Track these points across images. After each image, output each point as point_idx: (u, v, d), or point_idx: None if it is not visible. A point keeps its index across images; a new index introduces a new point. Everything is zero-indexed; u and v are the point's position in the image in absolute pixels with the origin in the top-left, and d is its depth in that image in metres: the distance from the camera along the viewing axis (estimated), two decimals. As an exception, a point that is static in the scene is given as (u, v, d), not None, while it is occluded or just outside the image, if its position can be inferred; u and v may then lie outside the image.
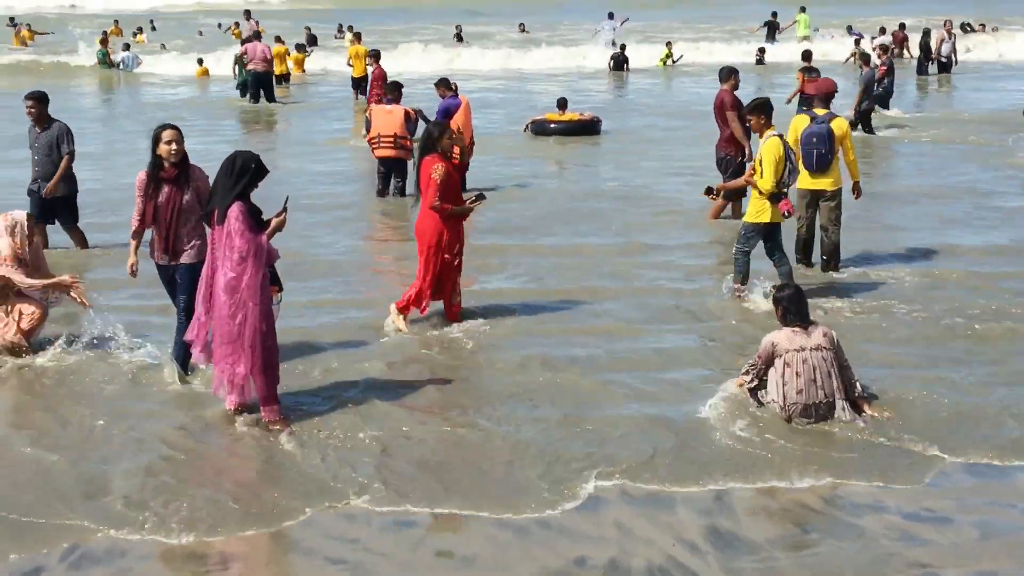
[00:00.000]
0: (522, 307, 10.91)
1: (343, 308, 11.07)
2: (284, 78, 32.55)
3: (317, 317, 10.70)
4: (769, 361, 8.29)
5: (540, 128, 22.81)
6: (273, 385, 8.19)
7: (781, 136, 10.96)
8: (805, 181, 12.09)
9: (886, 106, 24.58)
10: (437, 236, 10.20)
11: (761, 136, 11.00)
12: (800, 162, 11.83)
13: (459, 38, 49.15)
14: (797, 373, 8.16)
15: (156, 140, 8.77)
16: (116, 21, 49.18)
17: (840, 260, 12.37)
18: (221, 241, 7.95)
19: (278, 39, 36.33)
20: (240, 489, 7.21)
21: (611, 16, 44.18)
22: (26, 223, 9.89)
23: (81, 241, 13.50)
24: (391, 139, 16.28)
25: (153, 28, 52.10)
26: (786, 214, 10.91)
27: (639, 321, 10.60)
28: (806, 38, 42.01)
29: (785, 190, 10.91)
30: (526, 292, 11.47)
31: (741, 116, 13.99)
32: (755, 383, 8.37)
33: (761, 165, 10.81)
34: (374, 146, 16.45)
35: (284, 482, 7.33)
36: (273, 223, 8.15)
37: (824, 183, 12.14)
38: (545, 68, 39.59)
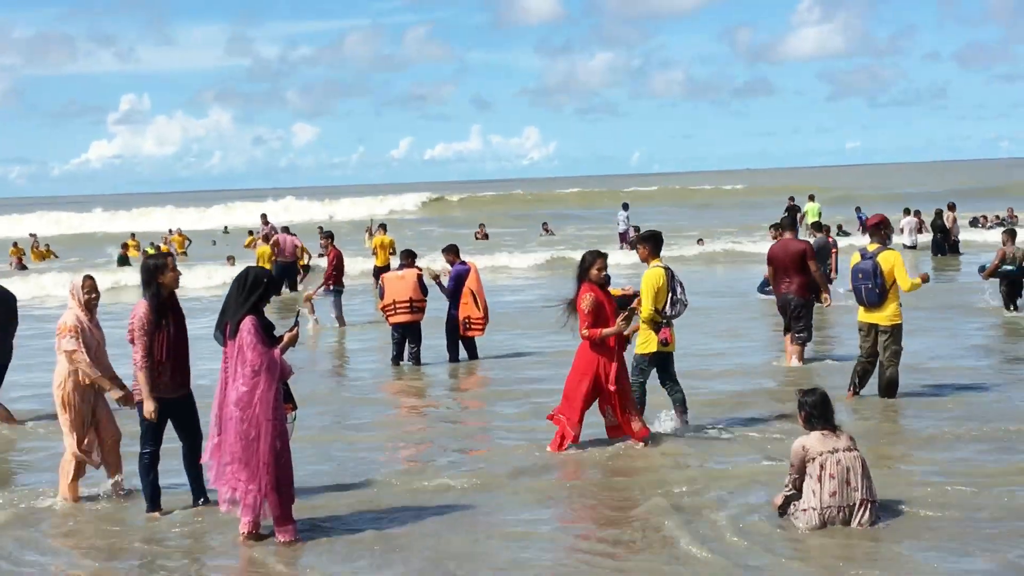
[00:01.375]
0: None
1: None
2: (305, 268, 32.98)
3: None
4: (802, 467, 8.06)
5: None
6: (288, 505, 7.96)
7: (667, 268, 11.23)
8: (862, 314, 12.23)
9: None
10: (587, 363, 10.37)
11: (648, 265, 11.29)
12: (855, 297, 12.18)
13: (484, 236, 49.97)
14: (831, 475, 7.93)
15: (158, 270, 8.62)
16: (133, 235, 50.18)
17: (897, 394, 12.23)
18: (233, 357, 7.87)
19: (383, 227, 37.09)
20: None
21: (625, 207, 45.68)
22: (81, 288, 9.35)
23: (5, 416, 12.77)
24: (407, 304, 16.33)
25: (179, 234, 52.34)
26: (664, 343, 11.06)
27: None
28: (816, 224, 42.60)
29: (666, 320, 11.09)
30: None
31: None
32: (792, 492, 8.14)
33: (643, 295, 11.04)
34: (389, 313, 16.46)
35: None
36: (286, 338, 8.09)
37: (878, 317, 12.13)
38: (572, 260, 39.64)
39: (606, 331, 10.38)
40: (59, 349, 9.18)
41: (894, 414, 11.77)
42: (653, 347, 11.12)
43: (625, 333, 10.47)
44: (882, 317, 12.09)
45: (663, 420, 11.23)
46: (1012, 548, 7.45)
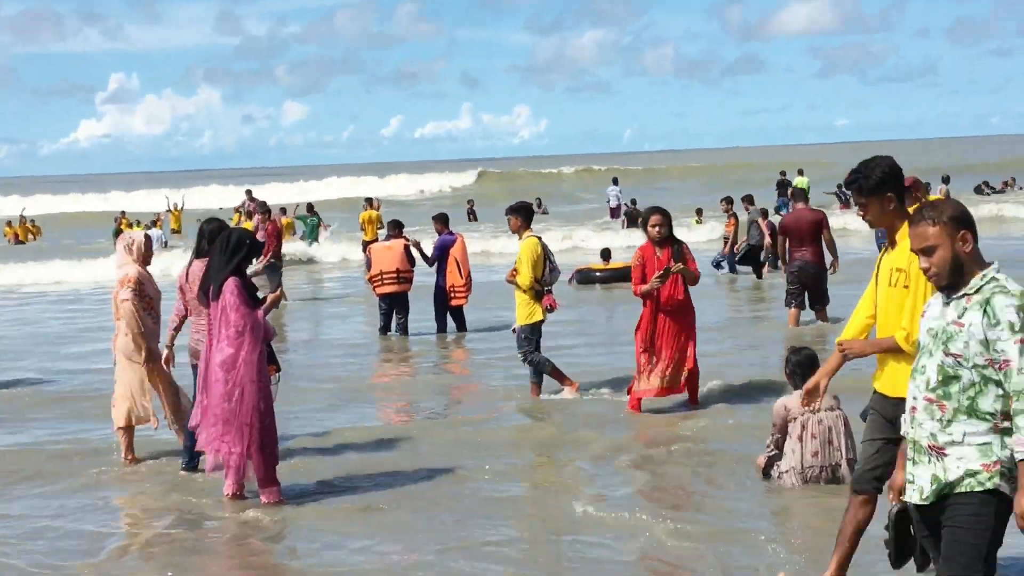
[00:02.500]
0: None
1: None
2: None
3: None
4: (784, 426, 8.10)
5: (585, 277, 23.15)
6: (272, 466, 7.98)
7: (539, 237, 11.43)
8: None
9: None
10: (640, 319, 10.55)
11: (520, 237, 11.42)
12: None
13: (471, 214, 49.75)
14: (813, 435, 7.97)
15: (216, 234, 8.49)
16: (123, 212, 49.95)
17: None
18: (216, 318, 7.88)
19: (283, 210, 37.07)
20: None
21: (615, 182, 45.88)
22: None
23: None
24: (394, 275, 16.32)
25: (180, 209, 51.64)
26: (548, 309, 11.28)
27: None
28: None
29: (547, 288, 11.33)
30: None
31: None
32: (774, 452, 8.19)
33: (520, 264, 11.19)
34: (376, 284, 16.47)
35: None
36: (269, 299, 8.10)
37: None
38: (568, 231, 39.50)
39: (642, 288, 10.43)
40: (119, 300, 9.21)
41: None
42: (538, 316, 11.31)
43: (650, 289, 10.40)
44: None
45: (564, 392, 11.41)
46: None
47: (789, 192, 42.99)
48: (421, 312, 16.97)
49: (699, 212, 40.60)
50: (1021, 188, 48.49)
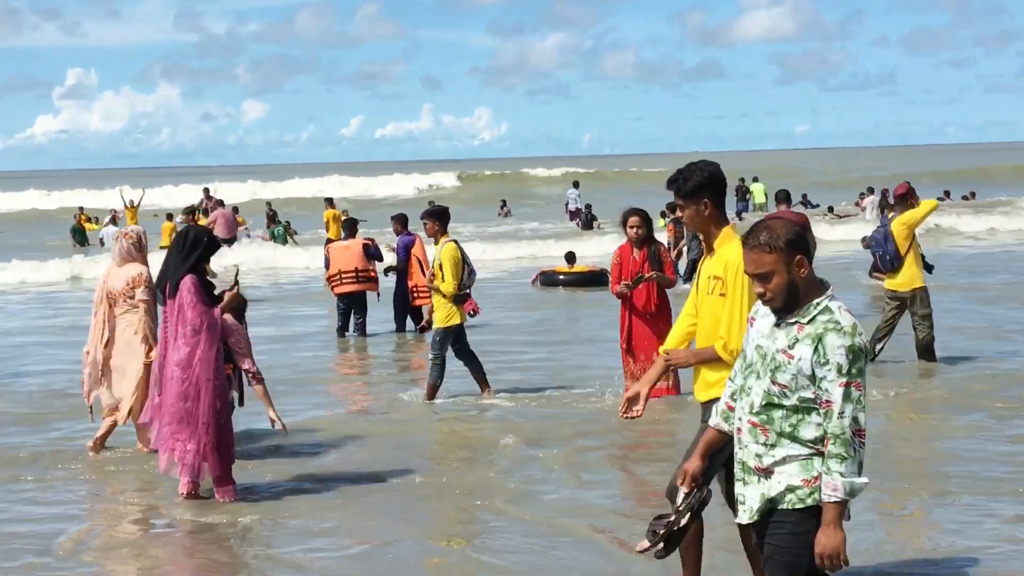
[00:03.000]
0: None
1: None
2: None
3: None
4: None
5: (549, 280, 23.20)
6: (227, 465, 7.93)
7: (456, 241, 11.47)
8: (886, 281, 12.54)
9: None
10: (620, 320, 10.78)
11: (436, 242, 11.45)
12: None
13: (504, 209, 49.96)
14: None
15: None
16: (81, 208, 49.38)
17: (935, 356, 12.47)
18: (173, 316, 7.82)
19: (235, 209, 36.98)
20: None
21: (576, 185, 46.07)
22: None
23: None
24: (352, 274, 16.24)
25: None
26: (471, 313, 11.28)
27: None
28: (763, 206, 43.10)
29: (467, 291, 11.39)
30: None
31: None
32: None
33: (442, 270, 11.19)
34: (334, 284, 16.39)
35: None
36: (226, 296, 8.04)
37: (897, 284, 12.40)
38: (523, 233, 39.56)
39: (616, 288, 10.68)
40: (132, 301, 9.15)
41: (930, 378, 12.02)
42: (456, 320, 11.29)
43: (621, 292, 10.64)
44: (896, 284, 12.36)
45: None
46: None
47: (751, 195, 43.68)
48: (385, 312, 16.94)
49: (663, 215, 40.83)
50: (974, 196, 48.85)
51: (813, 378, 4.16)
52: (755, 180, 45.78)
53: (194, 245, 7.89)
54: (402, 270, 16.56)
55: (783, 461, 4.23)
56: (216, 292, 8.04)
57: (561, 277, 23.17)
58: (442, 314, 11.29)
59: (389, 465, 8.95)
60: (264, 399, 8.19)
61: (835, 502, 4.13)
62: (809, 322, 4.21)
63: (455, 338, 11.40)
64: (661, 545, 4.68)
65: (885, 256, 12.24)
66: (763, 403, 4.27)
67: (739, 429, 4.38)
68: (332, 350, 15.78)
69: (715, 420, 4.61)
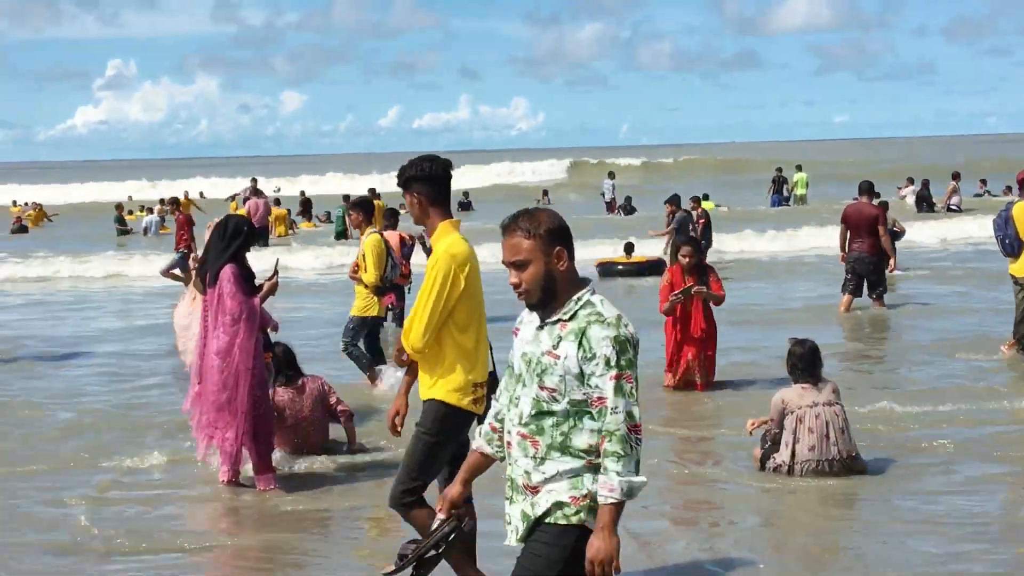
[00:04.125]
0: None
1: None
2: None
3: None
4: (781, 420, 8.09)
5: (607, 270, 23.20)
6: (267, 454, 7.95)
7: (380, 233, 11.56)
8: (1010, 267, 12.46)
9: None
10: (665, 330, 11.25)
11: (361, 233, 11.49)
12: None
13: (465, 205, 49.66)
14: (810, 429, 7.95)
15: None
16: (130, 198, 49.38)
17: None
18: (213, 305, 7.83)
19: (277, 202, 37.12)
20: None
21: (611, 175, 46.04)
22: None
23: None
24: (388, 265, 16.17)
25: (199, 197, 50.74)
26: (389, 307, 11.17)
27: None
28: (803, 198, 42.78)
29: (387, 284, 11.47)
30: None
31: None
32: (769, 444, 8.19)
33: (365, 261, 11.25)
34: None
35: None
36: (265, 287, 8.05)
37: (1014, 269, 12.32)
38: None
39: (664, 306, 11.06)
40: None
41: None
42: (374, 311, 11.47)
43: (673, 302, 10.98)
44: (1015, 268, 12.29)
45: (386, 375, 11.47)
46: None
47: (785, 188, 43.29)
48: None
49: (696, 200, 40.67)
50: (987, 193, 46.56)
51: (582, 376, 3.92)
52: (798, 169, 45.13)
53: (235, 235, 7.89)
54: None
55: (553, 478, 3.96)
56: (256, 283, 8.04)
57: (620, 267, 23.14)
58: (360, 303, 11.49)
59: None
60: (352, 435, 8.78)
61: (611, 503, 3.87)
62: (571, 318, 3.97)
63: (368, 330, 11.57)
64: (410, 571, 4.40)
65: (1005, 240, 12.20)
66: (532, 412, 3.99)
67: (509, 443, 4.10)
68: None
69: (478, 443, 4.33)
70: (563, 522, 3.95)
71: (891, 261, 16.18)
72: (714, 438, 9.46)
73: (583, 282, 4.04)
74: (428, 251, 16.29)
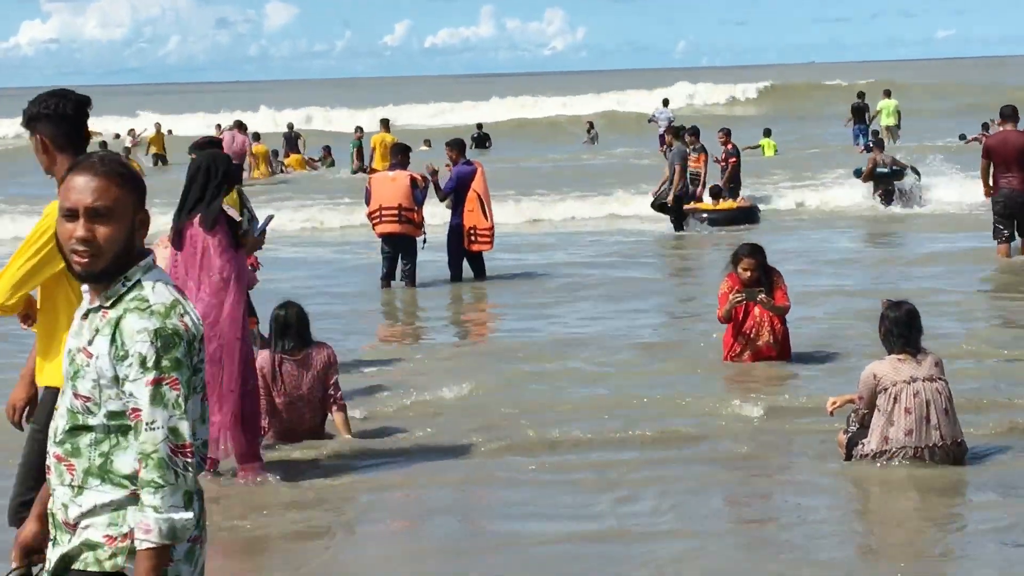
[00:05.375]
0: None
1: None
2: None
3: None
4: (872, 399, 8.07)
5: (689, 218, 23.28)
6: (254, 439, 7.99)
7: (238, 187, 11.20)
8: None
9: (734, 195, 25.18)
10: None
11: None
12: None
13: (480, 140, 49.69)
14: (907, 410, 7.93)
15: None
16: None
17: None
18: (194, 261, 7.78)
19: (257, 137, 37.32)
20: None
21: (665, 103, 45.80)
22: None
23: None
24: (394, 212, 16.13)
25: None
26: (252, 267, 10.89)
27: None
28: (891, 129, 42.21)
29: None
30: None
31: None
32: (858, 428, 8.20)
33: None
34: (375, 221, 16.35)
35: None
36: (250, 241, 8.04)
37: None
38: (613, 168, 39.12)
39: (722, 311, 10.99)
40: None
41: None
42: None
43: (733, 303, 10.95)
44: None
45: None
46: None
47: (867, 118, 42.69)
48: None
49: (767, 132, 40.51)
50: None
51: (117, 380, 3.60)
52: (886, 95, 44.39)
53: (226, 177, 7.90)
54: (455, 206, 16.56)
55: (91, 512, 3.62)
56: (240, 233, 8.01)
57: (705, 216, 23.18)
58: None
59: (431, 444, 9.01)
60: (343, 427, 8.74)
61: (149, 548, 3.53)
62: (112, 304, 3.64)
63: None
64: None
65: None
66: (68, 427, 3.69)
67: (48, 467, 3.76)
68: (375, 303, 15.90)
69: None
70: (95, 568, 3.63)
71: None
72: (788, 419, 9.46)
73: (143, 254, 3.72)
74: (444, 189, 16.50)
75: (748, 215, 23.54)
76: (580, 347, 12.15)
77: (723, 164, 25.60)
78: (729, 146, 25.57)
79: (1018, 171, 16.15)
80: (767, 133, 41.48)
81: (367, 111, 63.20)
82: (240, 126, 32.97)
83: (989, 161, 16.49)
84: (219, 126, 40.00)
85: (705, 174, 24.28)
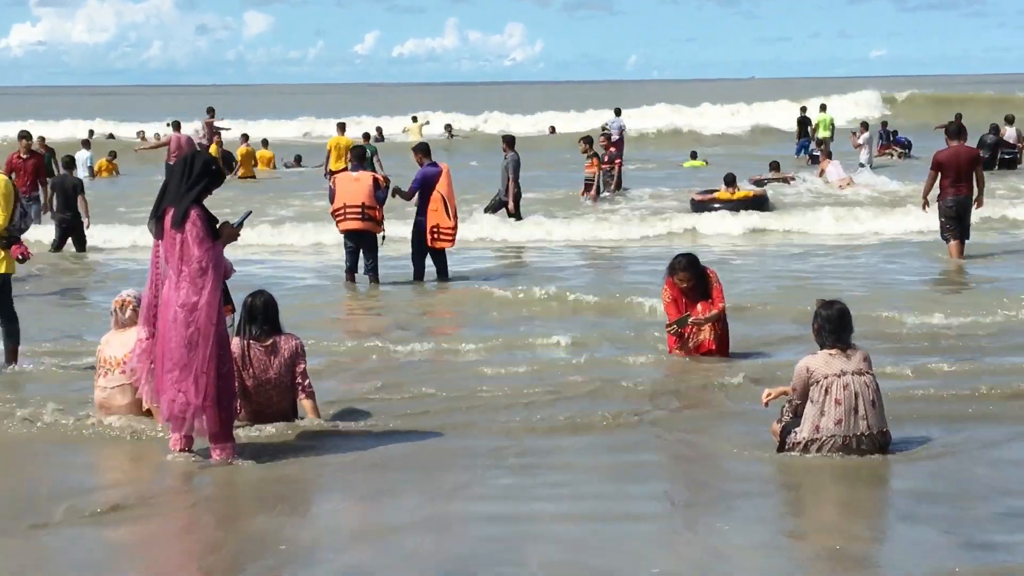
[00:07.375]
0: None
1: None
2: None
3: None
4: (805, 391, 8.10)
5: (704, 208, 23.27)
6: (228, 420, 7.97)
7: (10, 177, 11.10)
8: None
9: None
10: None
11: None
12: None
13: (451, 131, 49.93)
14: (837, 401, 7.97)
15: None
16: (42, 138, 48.33)
17: None
18: (173, 251, 7.77)
19: (245, 137, 37.18)
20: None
21: (618, 113, 45.42)
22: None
23: None
24: (358, 209, 16.05)
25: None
26: (19, 258, 10.69)
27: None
28: (826, 141, 42.37)
29: (14, 235, 10.67)
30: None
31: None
32: (792, 419, 8.22)
33: None
34: (339, 218, 16.30)
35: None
36: (225, 232, 7.99)
37: None
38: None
39: (673, 324, 11.13)
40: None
41: None
42: (4, 268, 10.67)
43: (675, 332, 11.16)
44: None
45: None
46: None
47: (809, 130, 43.01)
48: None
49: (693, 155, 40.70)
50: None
51: None
52: (822, 108, 44.63)
53: (203, 173, 7.86)
54: (421, 206, 16.50)
55: None
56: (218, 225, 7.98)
57: (718, 206, 23.09)
58: None
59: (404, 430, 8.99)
60: (312, 413, 8.73)
61: None
62: None
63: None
64: None
65: None
66: None
67: None
68: (336, 294, 15.89)
69: None
70: None
71: (980, 200, 17.46)
72: (726, 410, 9.49)
73: None
74: (410, 188, 16.43)
75: (760, 203, 23.65)
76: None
77: (607, 167, 27.75)
78: (612, 149, 28.13)
79: (967, 181, 17.02)
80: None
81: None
82: (176, 126, 33.26)
83: (938, 173, 17.15)
84: (211, 109, 38.96)
85: (599, 178, 26.76)
